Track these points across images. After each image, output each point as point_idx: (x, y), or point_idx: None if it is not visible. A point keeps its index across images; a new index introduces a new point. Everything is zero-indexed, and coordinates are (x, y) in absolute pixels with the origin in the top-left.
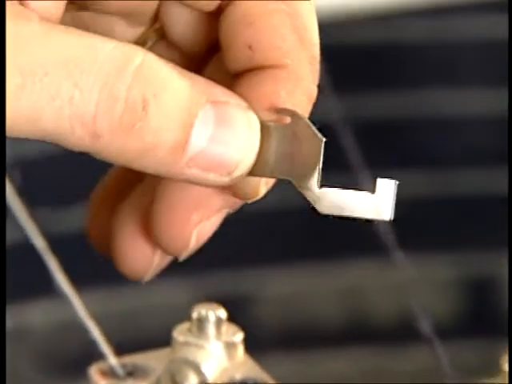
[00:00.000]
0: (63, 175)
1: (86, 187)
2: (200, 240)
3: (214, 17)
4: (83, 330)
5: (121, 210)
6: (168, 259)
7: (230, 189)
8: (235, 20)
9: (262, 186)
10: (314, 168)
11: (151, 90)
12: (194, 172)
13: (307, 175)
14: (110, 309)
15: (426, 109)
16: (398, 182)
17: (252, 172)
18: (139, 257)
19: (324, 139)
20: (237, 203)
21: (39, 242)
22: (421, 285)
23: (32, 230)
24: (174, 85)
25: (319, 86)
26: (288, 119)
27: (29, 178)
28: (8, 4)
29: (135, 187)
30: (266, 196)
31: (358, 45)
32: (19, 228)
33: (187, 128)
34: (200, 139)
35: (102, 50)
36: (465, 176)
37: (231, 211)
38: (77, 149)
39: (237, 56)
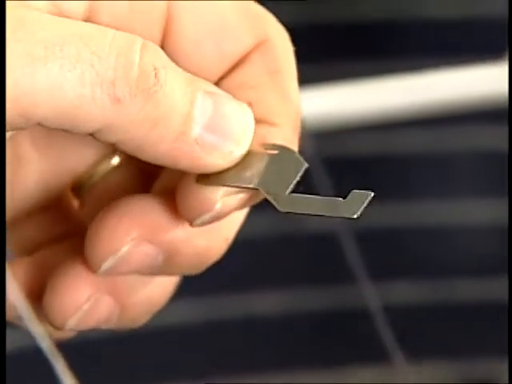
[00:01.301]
0: None
1: None
2: (130, 261)
3: None
4: None
5: (63, 252)
6: (100, 313)
7: (183, 205)
8: (234, 86)
9: (219, 196)
10: (290, 182)
11: (159, 61)
12: (201, 153)
13: (280, 187)
14: None
15: (426, 218)
16: (373, 195)
17: (218, 181)
18: (70, 298)
19: (307, 165)
20: (181, 242)
21: (45, 344)
22: None
23: (38, 331)
24: (173, 64)
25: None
26: (276, 152)
27: None
28: (12, 2)
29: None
30: (267, 305)
31: (357, 155)
32: (25, 330)
33: (192, 102)
34: (204, 114)
35: (109, 30)
36: (465, 284)
37: (177, 272)
38: (93, 123)
39: None
